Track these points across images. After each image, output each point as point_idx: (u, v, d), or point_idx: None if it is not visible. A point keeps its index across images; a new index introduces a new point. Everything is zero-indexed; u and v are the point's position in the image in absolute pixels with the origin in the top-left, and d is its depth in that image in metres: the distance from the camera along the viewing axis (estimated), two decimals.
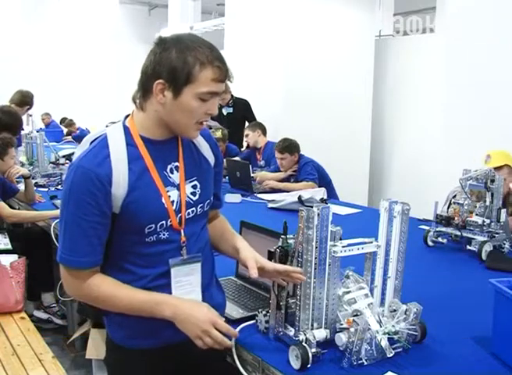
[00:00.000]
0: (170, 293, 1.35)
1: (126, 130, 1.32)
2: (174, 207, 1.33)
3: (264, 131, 5.05)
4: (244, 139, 5.24)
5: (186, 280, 1.37)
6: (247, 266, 1.41)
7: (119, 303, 1.29)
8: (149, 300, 1.29)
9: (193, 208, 1.39)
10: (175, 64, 1.22)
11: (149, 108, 1.29)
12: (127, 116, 1.37)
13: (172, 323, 1.31)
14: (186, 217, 1.37)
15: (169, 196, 1.33)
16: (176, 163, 1.36)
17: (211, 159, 1.47)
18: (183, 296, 1.36)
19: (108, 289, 1.29)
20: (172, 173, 1.35)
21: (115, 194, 1.25)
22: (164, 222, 1.32)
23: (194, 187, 1.39)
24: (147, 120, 1.31)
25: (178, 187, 1.35)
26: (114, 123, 1.40)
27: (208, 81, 1.24)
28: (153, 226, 1.30)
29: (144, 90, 1.28)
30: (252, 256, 1.43)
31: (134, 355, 1.38)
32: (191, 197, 1.38)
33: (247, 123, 5.49)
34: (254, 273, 1.37)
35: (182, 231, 1.36)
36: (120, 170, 1.25)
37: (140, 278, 1.33)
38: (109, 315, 1.39)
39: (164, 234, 1.33)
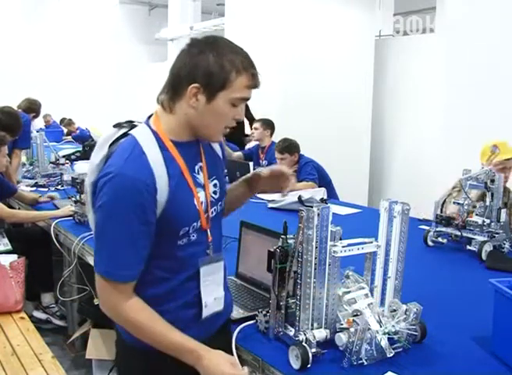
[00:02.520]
0: (199, 293, 1.35)
1: (155, 134, 1.29)
2: (202, 207, 1.34)
3: (272, 132, 5.02)
4: (250, 131, 5.18)
5: (212, 279, 1.39)
6: (253, 179, 1.57)
7: (150, 336, 1.28)
8: (179, 345, 1.28)
9: (215, 207, 1.41)
10: (212, 69, 1.22)
11: (178, 111, 1.28)
12: (149, 117, 1.35)
13: (193, 323, 1.36)
14: (211, 216, 1.38)
15: (199, 197, 1.33)
16: (200, 163, 1.37)
17: (220, 154, 1.50)
18: (209, 295, 1.38)
19: (145, 319, 1.27)
20: (198, 173, 1.35)
21: (159, 201, 1.24)
22: (195, 223, 1.32)
23: (215, 185, 1.41)
24: (175, 123, 1.30)
25: (203, 187, 1.36)
26: (120, 124, 1.36)
27: (242, 88, 1.26)
28: (187, 228, 1.31)
29: (175, 92, 1.27)
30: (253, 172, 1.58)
31: (151, 356, 1.36)
32: (214, 196, 1.40)
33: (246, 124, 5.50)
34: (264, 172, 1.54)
35: (208, 231, 1.37)
36: (162, 176, 1.23)
37: (170, 281, 1.33)
38: None
39: (193, 236, 1.33)
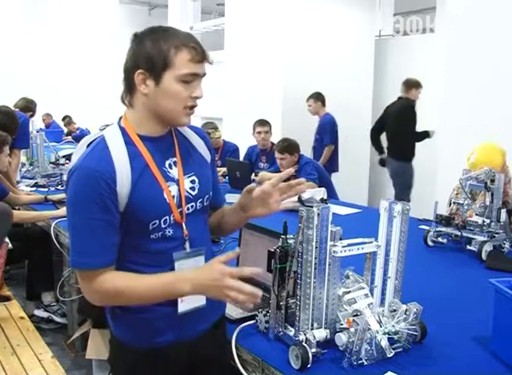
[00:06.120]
0: None
1: (123, 130, 1.33)
2: (175, 202, 1.35)
3: None
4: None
5: None
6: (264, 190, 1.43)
7: (136, 293, 1.27)
8: (165, 282, 1.27)
9: (193, 203, 1.40)
10: (150, 52, 1.26)
11: (137, 102, 1.32)
12: (121, 118, 1.38)
13: (177, 321, 1.35)
14: (187, 212, 1.38)
15: (170, 191, 1.34)
16: (174, 159, 1.37)
17: (207, 156, 1.49)
18: None
19: (122, 281, 1.28)
20: (171, 168, 1.36)
21: (120, 193, 1.26)
22: (167, 217, 1.33)
23: (193, 182, 1.40)
24: (139, 116, 1.33)
25: (177, 182, 1.36)
26: (108, 125, 1.40)
27: (186, 62, 1.27)
28: (157, 222, 1.31)
29: (128, 85, 1.31)
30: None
31: (140, 354, 1.38)
32: (190, 192, 1.39)
33: None
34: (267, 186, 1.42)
35: (183, 225, 1.37)
36: (123, 169, 1.26)
37: None
38: (115, 314, 1.38)
39: (169, 232, 1.34)
